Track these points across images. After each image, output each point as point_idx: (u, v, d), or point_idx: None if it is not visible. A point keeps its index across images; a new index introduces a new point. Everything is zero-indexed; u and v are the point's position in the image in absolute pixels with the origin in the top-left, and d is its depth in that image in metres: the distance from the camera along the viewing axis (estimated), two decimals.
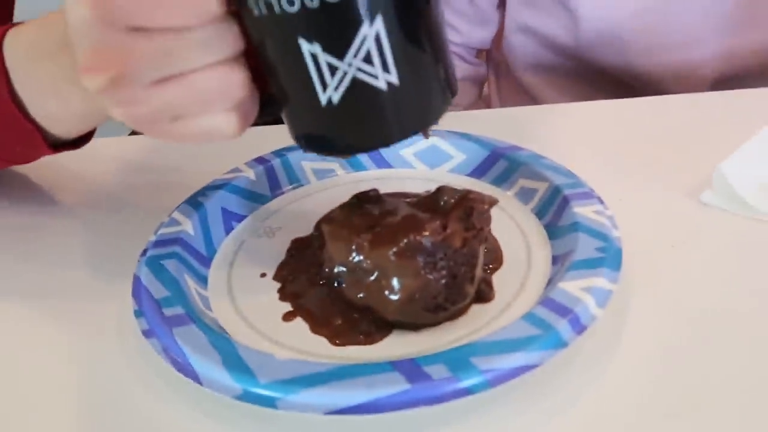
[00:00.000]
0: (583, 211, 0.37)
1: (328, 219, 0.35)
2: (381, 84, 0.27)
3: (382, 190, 0.45)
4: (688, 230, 0.40)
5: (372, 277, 0.31)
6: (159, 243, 0.38)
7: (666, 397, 0.29)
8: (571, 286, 0.31)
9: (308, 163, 0.47)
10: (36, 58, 0.35)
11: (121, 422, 0.30)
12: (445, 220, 0.32)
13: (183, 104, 0.27)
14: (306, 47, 0.26)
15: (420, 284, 0.31)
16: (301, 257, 0.38)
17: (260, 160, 0.46)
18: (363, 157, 0.48)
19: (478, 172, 0.46)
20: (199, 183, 0.44)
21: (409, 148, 0.48)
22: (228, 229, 0.42)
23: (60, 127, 0.38)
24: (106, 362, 0.33)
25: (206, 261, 0.39)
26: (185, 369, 0.29)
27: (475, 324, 0.33)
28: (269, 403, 0.27)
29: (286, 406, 0.27)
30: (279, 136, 0.52)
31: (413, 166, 0.48)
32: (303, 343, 0.33)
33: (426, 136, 0.32)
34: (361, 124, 0.28)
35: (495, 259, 0.37)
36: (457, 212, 0.32)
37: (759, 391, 0.29)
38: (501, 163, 0.45)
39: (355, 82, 0.27)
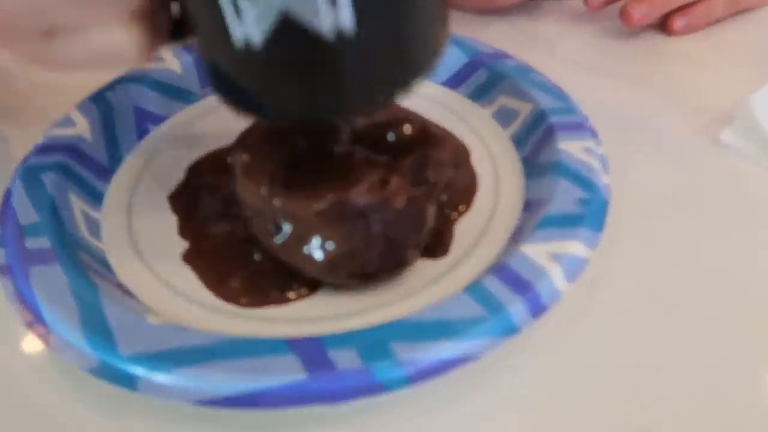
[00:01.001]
0: (569, 147, 0.30)
1: (245, 145, 0.27)
2: (324, 26, 0.19)
3: None
4: (698, 179, 0.32)
5: (288, 230, 0.24)
6: (44, 149, 0.31)
7: (636, 403, 0.23)
8: (537, 251, 0.25)
9: None
10: None
11: None
12: (387, 172, 0.24)
13: (49, 7, 0.21)
14: None
15: (346, 251, 0.24)
16: (202, 181, 0.31)
17: (190, 48, 0.38)
18: None
19: (454, 81, 0.37)
20: None
21: None
22: (141, 134, 0.35)
23: None
24: None
25: (107, 174, 0.32)
26: (34, 326, 0.23)
27: (414, 282, 0.26)
28: (128, 382, 0.21)
29: (148, 389, 0.21)
30: None
31: None
32: (201, 290, 0.26)
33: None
34: (290, 82, 0.20)
35: (466, 200, 0.30)
36: (408, 161, 0.25)
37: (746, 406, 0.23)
38: (481, 73, 0.36)
39: (286, 20, 0.18)
